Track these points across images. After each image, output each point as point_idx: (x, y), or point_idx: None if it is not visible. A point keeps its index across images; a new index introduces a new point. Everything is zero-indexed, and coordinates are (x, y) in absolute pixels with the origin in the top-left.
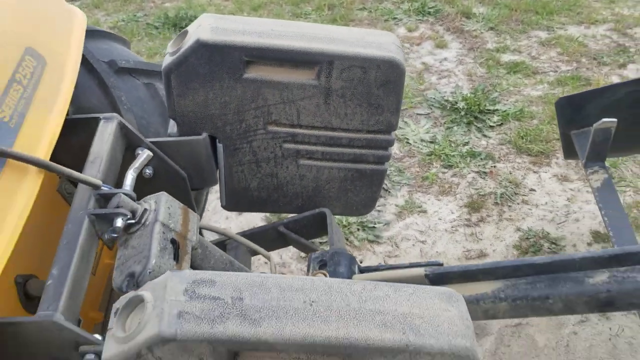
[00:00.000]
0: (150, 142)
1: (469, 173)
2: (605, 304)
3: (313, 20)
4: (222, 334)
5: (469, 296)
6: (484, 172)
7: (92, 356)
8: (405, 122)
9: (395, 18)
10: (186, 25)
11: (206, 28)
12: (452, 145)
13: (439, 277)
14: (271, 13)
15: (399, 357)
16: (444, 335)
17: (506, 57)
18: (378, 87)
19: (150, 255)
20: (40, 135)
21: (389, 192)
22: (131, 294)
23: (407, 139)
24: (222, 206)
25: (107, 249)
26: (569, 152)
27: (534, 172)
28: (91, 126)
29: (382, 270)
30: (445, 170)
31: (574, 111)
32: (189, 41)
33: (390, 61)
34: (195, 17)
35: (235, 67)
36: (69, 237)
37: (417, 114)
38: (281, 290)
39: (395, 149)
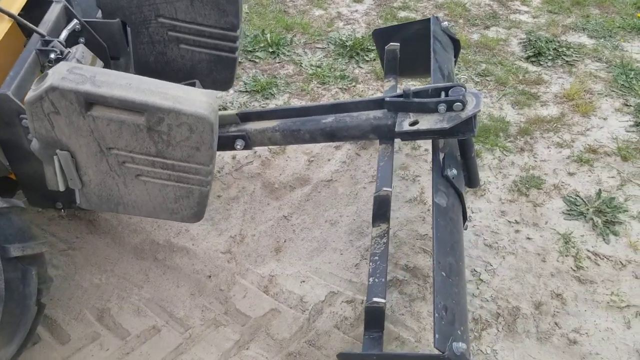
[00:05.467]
0: (84, 20)
1: (335, 89)
2: (330, 135)
3: None
4: (82, 89)
5: (261, 129)
6: (345, 89)
7: (26, 121)
8: (305, 51)
9: None
10: None
11: None
12: (331, 70)
13: (244, 115)
14: None
15: (171, 114)
16: (195, 107)
17: (403, 14)
18: None
19: None
20: (14, 2)
21: (274, 95)
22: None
23: (301, 63)
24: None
25: None
26: None
27: (381, 92)
28: (47, 5)
29: None
30: (320, 86)
31: (384, 40)
32: None
33: None
34: None
35: None
36: (23, 59)
37: (316, 47)
38: (117, 77)
39: (289, 70)
